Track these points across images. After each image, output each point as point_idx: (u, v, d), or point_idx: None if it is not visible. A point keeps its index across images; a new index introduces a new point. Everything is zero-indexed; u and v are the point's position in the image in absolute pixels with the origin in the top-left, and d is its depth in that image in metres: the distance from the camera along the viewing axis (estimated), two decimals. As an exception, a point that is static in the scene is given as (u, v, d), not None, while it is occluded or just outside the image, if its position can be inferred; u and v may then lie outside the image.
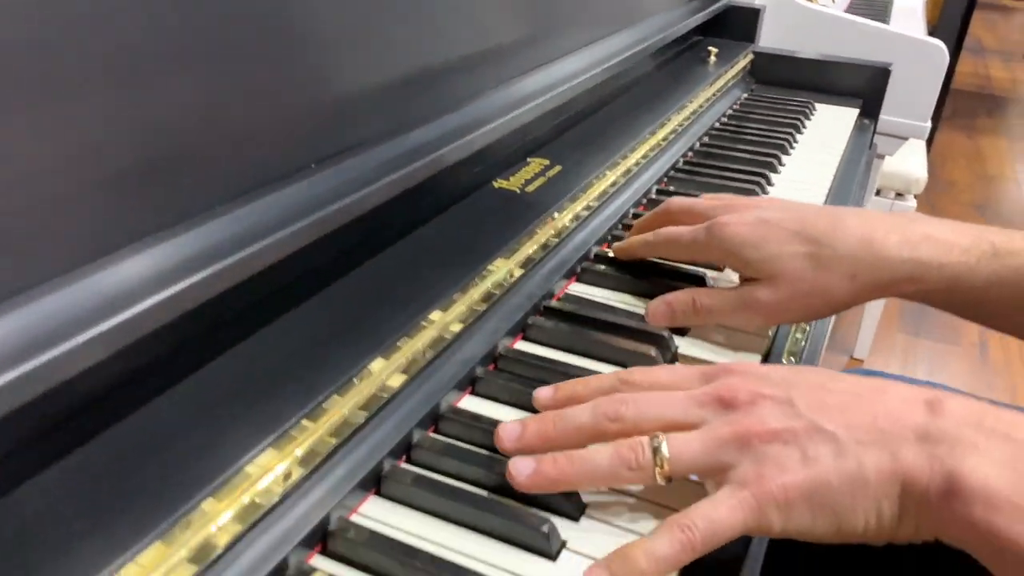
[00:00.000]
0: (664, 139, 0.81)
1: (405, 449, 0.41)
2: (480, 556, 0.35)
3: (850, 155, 0.92)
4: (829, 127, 0.97)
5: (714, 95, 0.99)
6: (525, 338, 0.51)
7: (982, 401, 0.35)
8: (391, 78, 0.50)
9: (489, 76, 0.61)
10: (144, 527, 0.29)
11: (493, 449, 0.40)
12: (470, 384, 0.46)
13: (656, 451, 0.36)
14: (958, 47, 2.55)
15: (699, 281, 0.57)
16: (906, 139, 1.36)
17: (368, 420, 0.40)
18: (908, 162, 1.56)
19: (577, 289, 0.57)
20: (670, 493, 0.38)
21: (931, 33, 2.13)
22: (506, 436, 0.39)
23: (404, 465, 0.40)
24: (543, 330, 0.51)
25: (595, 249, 0.61)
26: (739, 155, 0.83)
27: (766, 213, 0.51)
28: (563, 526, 0.37)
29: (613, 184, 0.68)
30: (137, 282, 0.33)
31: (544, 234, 0.57)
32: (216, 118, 0.38)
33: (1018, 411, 0.35)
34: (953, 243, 0.48)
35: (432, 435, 0.42)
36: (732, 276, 0.60)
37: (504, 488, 0.38)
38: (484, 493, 0.38)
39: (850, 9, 1.70)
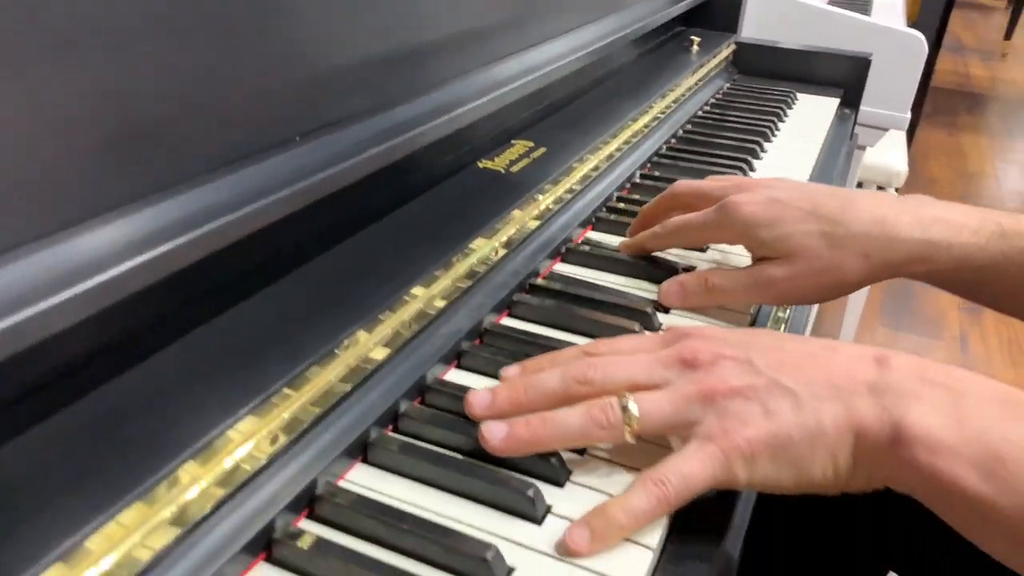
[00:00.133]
0: (647, 125, 0.81)
1: (392, 419, 0.41)
2: (467, 520, 0.35)
3: (831, 144, 0.93)
4: (810, 116, 0.98)
5: (697, 84, 0.99)
6: (511, 315, 0.51)
7: (925, 358, 0.37)
8: (376, 55, 0.50)
9: (473, 58, 0.61)
10: (125, 487, 0.29)
11: (480, 419, 0.40)
12: (456, 358, 0.46)
13: (625, 409, 0.36)
14: (937, 43, 2.58)
15: (674, 271, 0.56)
16: (887, 130, 1.38)
17: (354, 390, 0.40)
18: (888, 155, 1.58)
19: (562, 269, 0.58)
20: (654, 460, 0.39)
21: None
22: (476, 403, 0.39)
23: (391, 434, 0.40)
24: (529, 307, 0.51)
25: (577, 231, 0.62)
26: (722, 142, 0.84)
27: (776, 192, 0.51)
28: (548, 492, 0.37)
29: (595, 168, 0.68)
30: (112, 247, 0.32)
31: (527, 214, 0.57)
32: (199, 89, 0.37)
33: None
34: (963, 224, 0.49)
35: (419, 406, 0.42)
36: (715, 257, 0.61)
37: (491, 456, 0.38)
38: (471, 460, 0.38)
39: (832, 2, 1.72)
